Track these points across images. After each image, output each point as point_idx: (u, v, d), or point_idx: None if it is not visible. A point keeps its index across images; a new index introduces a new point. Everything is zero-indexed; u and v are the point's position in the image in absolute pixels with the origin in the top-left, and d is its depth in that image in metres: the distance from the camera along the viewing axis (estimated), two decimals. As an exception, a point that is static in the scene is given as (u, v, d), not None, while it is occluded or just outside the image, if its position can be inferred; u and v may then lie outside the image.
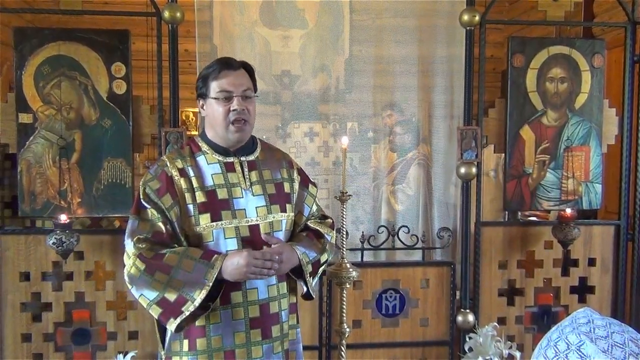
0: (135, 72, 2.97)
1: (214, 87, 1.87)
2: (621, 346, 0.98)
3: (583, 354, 1.00)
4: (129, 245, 1.80)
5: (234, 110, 1.85)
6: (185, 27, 3.01)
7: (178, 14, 2.89)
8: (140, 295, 1.78)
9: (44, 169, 2.85)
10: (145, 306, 1.78)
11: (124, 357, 2.60)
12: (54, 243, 2.75)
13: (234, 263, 1.74)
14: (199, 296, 1.72)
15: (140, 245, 1.78)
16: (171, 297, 1.74)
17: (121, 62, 2.88)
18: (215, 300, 1.79)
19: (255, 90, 1.95)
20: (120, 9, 3.26)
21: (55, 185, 2.85)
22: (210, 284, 1.73)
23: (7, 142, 2.87)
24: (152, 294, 1.75)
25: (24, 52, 2.81)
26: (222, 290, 1.79)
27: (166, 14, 2.88)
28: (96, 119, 2.87)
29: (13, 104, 2.83)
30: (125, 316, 2.99)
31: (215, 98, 1.86)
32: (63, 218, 2.79)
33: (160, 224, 1.81)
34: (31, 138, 2.83)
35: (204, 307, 1.77)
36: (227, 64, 1.88)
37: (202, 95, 1.91)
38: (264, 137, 2.93)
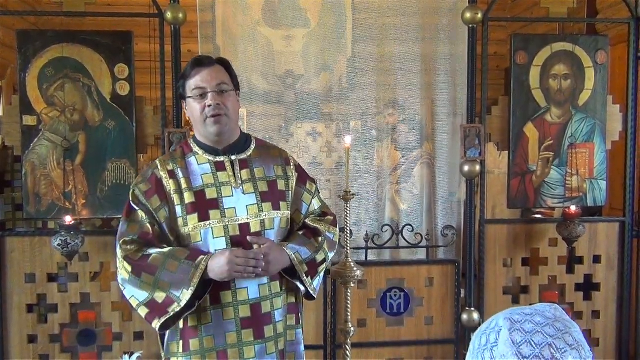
0: (138, 73, 2.98)
1: (189, 85, 1.87)
2: (534, 347, 0.93)
3: (496, 337, 0.96)
4: (118, 249, 1.83)
5: (209, 106, 1.83)
6: (187, 27, 3.01)
7: (180, 15, 2.89)
8: (131, 297, 1.80)
9: (49, 170, 2.86)
10: (134, 307, 1.80)
11: (130, 357, 2.61)
12: (59, 244, 2.76)
13: (217, 263, 1.74)
14: (185, 297, 1.73)
15: (126, 247, 1.80)
16: (159, 298, 1.76)
17: (124, 64, 2.89)
18: (202, 299, 1.79)
19: (237, 86, 1.94)
20: (123, 10, 3.27)
21: (60, 187, 2.86)
22: (195, 285, 1.73)
23: (12, 144, 2.89)
24: (142, 296, 1.78)
25: (28, 54, 2.82)
26: (209, 290, 1.79)
27: (168, 15, 2.88)
28: (100, 121, 2.88)
29: (17, 106, 2.84)
30: (131, 317, 3.00)
31: (191, 97, 1.86)
32: (68, 219, 2.80)
33: (148, 225, 1.82)
34: (35, 140, 2.84)
35: (191, 305, 1.77)
36: (197, 62, 1.88)
37: (182, 96, 1.92)
38: (267, 137, 2.94)
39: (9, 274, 2.92)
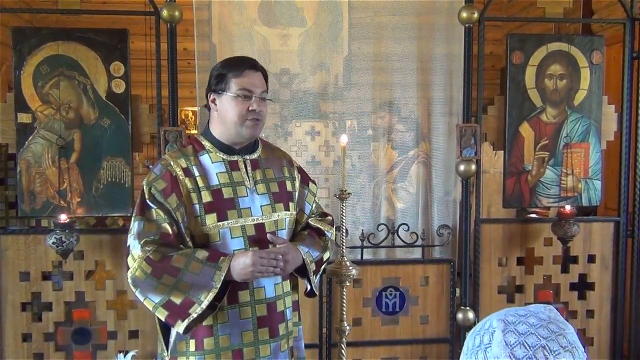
0: (134, 71, 2.97)
1: (236, 83, 1.86)
2: (528, 348, 0.94)
3: (490, 338, 0.97)
4: (136, 248, 1.77)
5: (252, 110, 1.85)
6: (184, 26, 3.00)
7: (176, 13, 2.88)
8: (145, 299, 1.76)
9: (44, 168, 2.84)
10: (150, 309, 1.76)
11: (125, 356, 2.60)
12: (54, 243, 2.75)
13: (240, 263, 1.75)
14: (206, 298, 1.73)
15: (147, 248, 1.76)
16: (177, 299, 1.73)
17: (120, 62, 2.87)
18: (222, 300, 1.79)
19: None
20: (119, 8, 3.26)
21: (55, 185, 2.85)
22: (218, 287, 1.73)
23: (7, 142, 2.88)
24: (157, 297, 1.74)
25: (23, 52, 2.80)
26: (228, 290, 1.79)
27: (165, 13, 2.87)
28: (95, 119, 2.87)
29: (12, 104, 2.83)
30: (126, 315, 2.99)
31: (235, 95, 1.85)
32: (63, 218, 2.79)
33: (167, 225, 1.79)
34: (30, 138, 2.83)
35: (211, 307, 1.77)
36: (251, 65, 1.90)
37: (219, 90, 1.88)
38: (263, 135, 2.93)
39: (3, 272, 2.90)
